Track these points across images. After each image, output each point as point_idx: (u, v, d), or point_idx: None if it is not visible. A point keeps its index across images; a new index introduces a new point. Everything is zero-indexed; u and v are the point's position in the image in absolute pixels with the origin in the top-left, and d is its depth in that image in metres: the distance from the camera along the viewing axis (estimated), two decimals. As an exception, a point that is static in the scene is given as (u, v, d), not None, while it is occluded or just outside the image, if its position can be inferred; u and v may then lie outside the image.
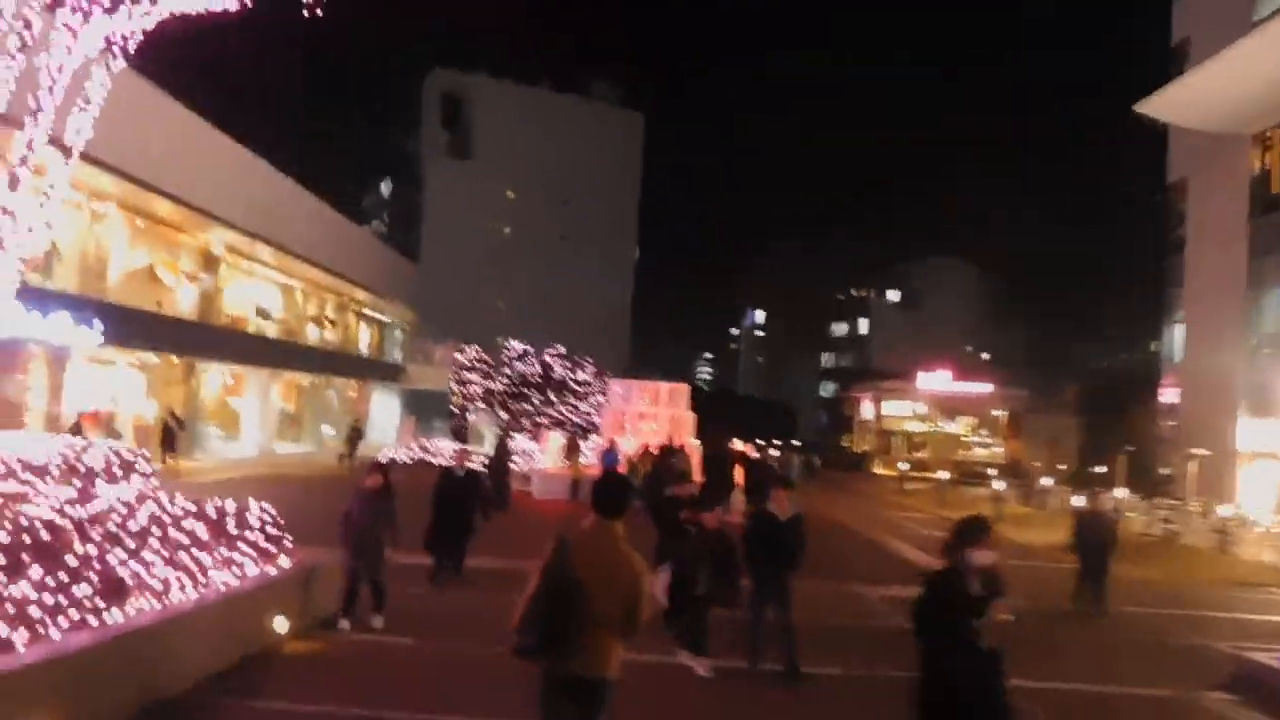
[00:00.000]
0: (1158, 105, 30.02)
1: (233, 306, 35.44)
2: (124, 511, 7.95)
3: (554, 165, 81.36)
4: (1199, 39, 30.75)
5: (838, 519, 26.29)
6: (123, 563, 6.94)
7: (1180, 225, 33.76)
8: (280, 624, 8.98)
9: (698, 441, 29.06)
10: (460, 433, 38.87)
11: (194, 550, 8.14)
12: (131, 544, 7.24)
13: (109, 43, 10.74)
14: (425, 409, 49.64)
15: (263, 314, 37.34)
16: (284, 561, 9.71)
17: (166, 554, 7.57)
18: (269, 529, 9.64)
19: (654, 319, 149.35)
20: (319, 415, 44.14)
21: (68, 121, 10.87)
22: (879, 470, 55.81)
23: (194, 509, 8.86)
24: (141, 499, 8.83)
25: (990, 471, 39.75)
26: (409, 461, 33.70)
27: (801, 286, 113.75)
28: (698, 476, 24.74)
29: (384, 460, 10.35)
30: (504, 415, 37.93)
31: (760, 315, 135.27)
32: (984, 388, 59.19)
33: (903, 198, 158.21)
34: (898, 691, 5.82)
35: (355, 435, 36.17)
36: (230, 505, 9.44)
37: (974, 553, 5.34)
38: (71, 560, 6.43)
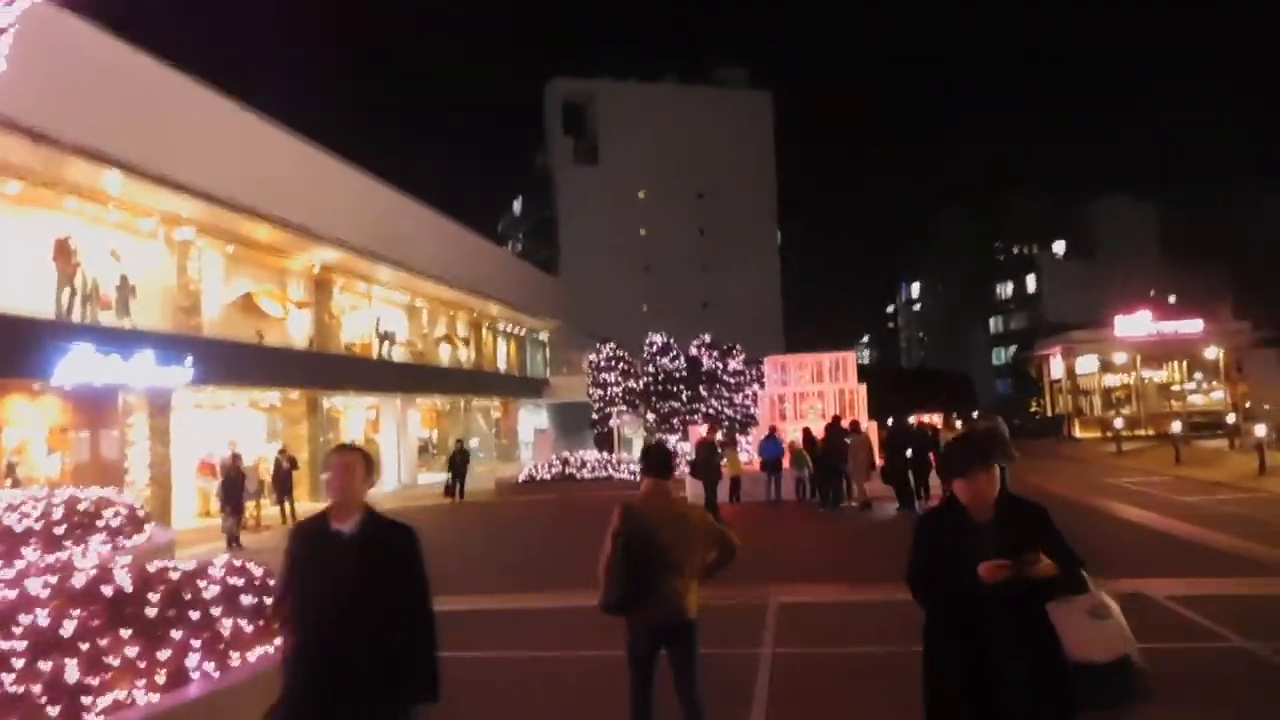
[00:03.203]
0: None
1: (351, 333, 33.24)
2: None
3: (684, 159, 77.77)
4: None
5: (1056, 491, 21.55)
6: None
7: None
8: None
9: (871, 421, 24.99)
10: (604, 440, 35.62)
11: (91, 646, 4.81)
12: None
13: None
14: (574, 420, 47.03)
15: (386, 337, 34.93)
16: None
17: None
18: (247, 599, 6.30)
19: (805, 305, 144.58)
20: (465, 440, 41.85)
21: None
22: (1079, 433, 49.67)
23: (123, 582, 5.58)
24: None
25: (1229, 419, 33.65)
26: (549, 478, 30.80)
27: (957, 251, 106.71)
28: (879, 460, 21.02)
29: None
30: (650, 416, 34.38)
31: (915, 288, 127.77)
32: (1194, 325, 51.79)
33: (1053, 143, 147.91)
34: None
35: (460, 460, 27.38)
36: (188, 569, 6.17)
37: None
38: None
